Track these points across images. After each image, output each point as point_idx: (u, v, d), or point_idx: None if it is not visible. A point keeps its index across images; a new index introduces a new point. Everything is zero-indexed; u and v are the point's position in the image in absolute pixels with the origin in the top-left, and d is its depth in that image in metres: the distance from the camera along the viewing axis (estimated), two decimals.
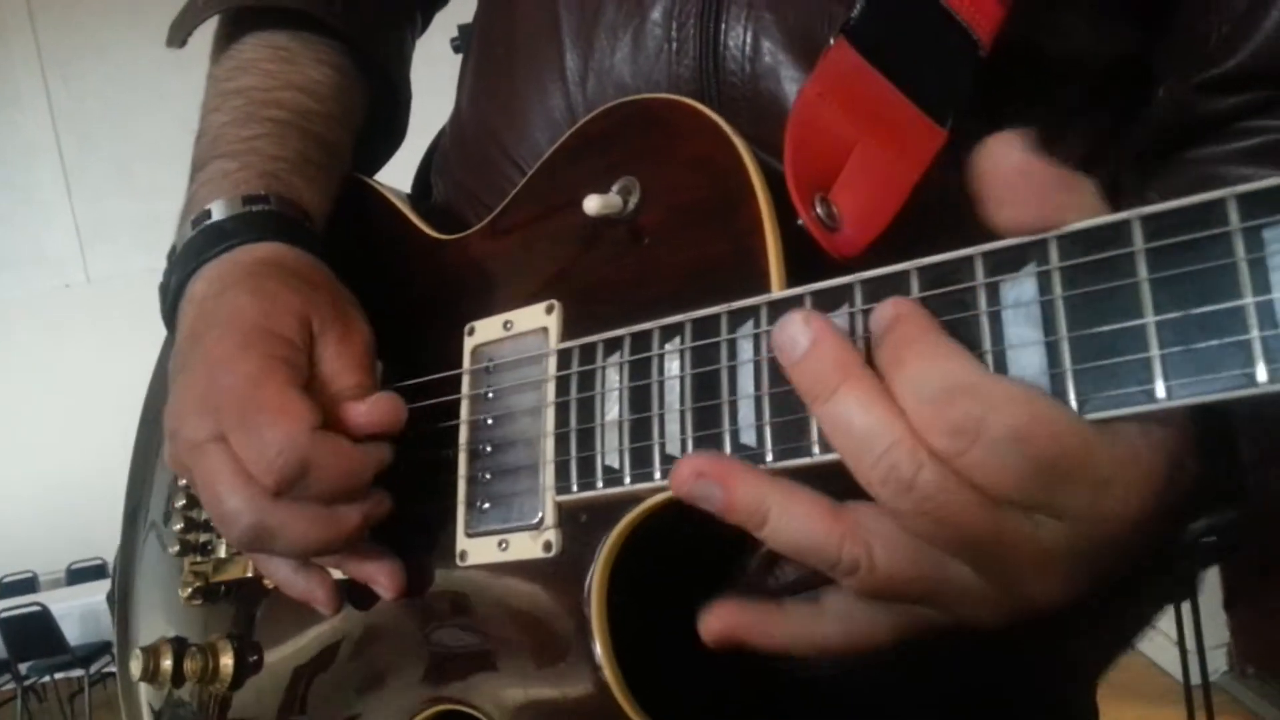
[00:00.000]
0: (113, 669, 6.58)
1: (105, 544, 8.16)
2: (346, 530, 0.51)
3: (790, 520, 0.38)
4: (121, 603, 0.80)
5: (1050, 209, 0.36)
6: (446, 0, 0.83)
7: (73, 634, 6.36)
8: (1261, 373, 0.31)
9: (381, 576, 0.53)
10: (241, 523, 0.49)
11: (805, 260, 0.47)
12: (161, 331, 0.64)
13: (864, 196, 0.49)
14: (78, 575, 8.03)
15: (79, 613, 6.48)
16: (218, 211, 0.58)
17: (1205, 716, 3.00)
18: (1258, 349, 0.31)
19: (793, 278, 0.46)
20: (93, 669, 6.45)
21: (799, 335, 0.38)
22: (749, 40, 0.55)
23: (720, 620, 0.43)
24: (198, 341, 0.53)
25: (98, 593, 6.56)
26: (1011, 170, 0.36)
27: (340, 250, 0.65)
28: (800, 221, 0.48)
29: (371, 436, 0.52)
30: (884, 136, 0.50)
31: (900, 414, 0.36)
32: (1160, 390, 0.33)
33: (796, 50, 0.55)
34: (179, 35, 0.69)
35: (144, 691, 0.75)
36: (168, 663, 0.66)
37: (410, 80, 0.77)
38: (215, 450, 0.50)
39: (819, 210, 0.48)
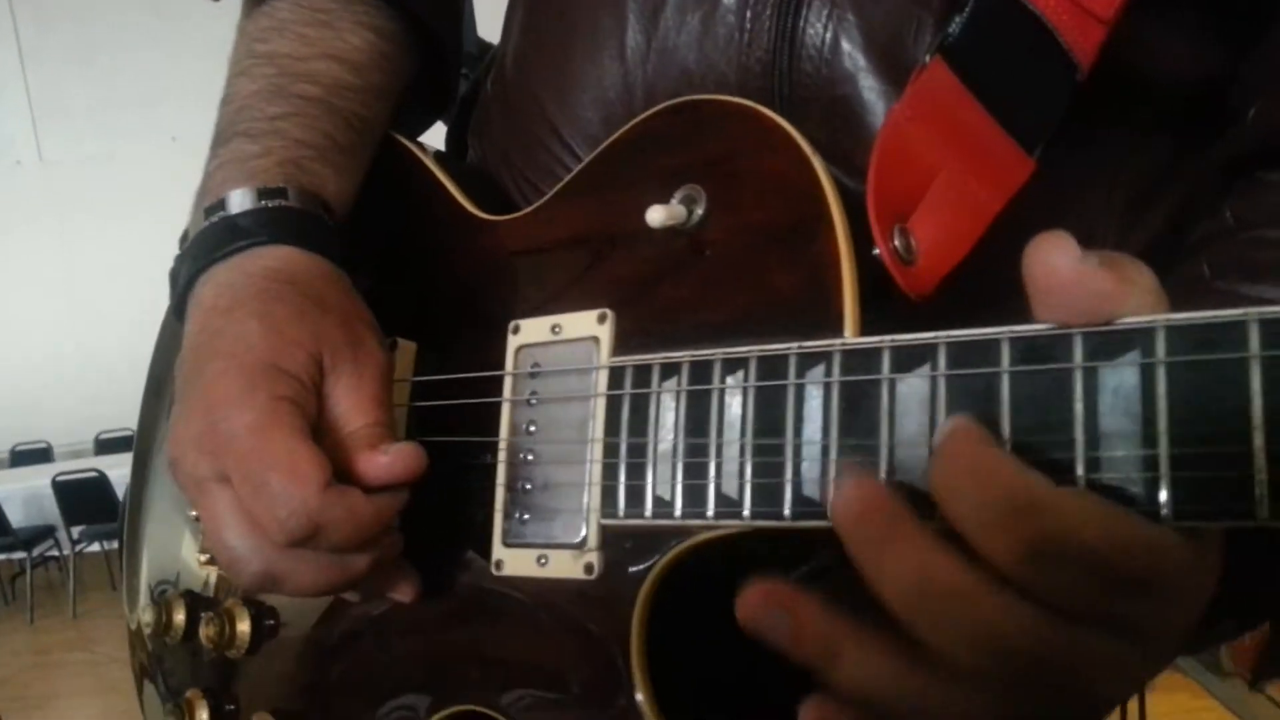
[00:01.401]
0: (55, 553, 6.58)
1: (49, 428, 8.10)
2: (353, 575, 0.49)
3: (867, 662, 0.37)
4: (131, 523, 0.77)
5: (1103, 313, 0.35)
6: None
7: (15, 516, 6.32)
8: None
9: (400, 591, 0.53)
10: (248, 570, 0.48)
11: (874, 289, 0.46)
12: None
13: (942, 228, 0.48)
14: (21, 458, 7.94)
15: (21, 496, 6.44)
16: (233, 204, 0.54)
17: None
18: None
19: (862, 310, 0.45)
20: (35, 552, 6.43)
21: (852, 499, 0.37)
22: (829, 39, 0.53)
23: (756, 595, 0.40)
24: (201, 367, 0.50)
25: (42, 476, 6.52)
26: (1063, 277, 0.35)
27: (372, 216, 0.62)
28: (876, 252, 0.46)
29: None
30: (971, 165, 0.48)
31: (959, 566, 0.34)
32: (1264, 510, 0.32)
33: (878, 56, 0.52)
34: None
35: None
36: (180, 617, 0.66)
37: (463, 34, 0.73)
38: (218, 492, 0.48)
39: (897, 242, 0.46)
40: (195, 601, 0.67)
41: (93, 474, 6.09)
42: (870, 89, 0.52)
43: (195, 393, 0.49)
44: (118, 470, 5.97)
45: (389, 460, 0.49)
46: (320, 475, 0.46)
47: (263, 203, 0.54)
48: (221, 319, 0.51)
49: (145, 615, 0.67)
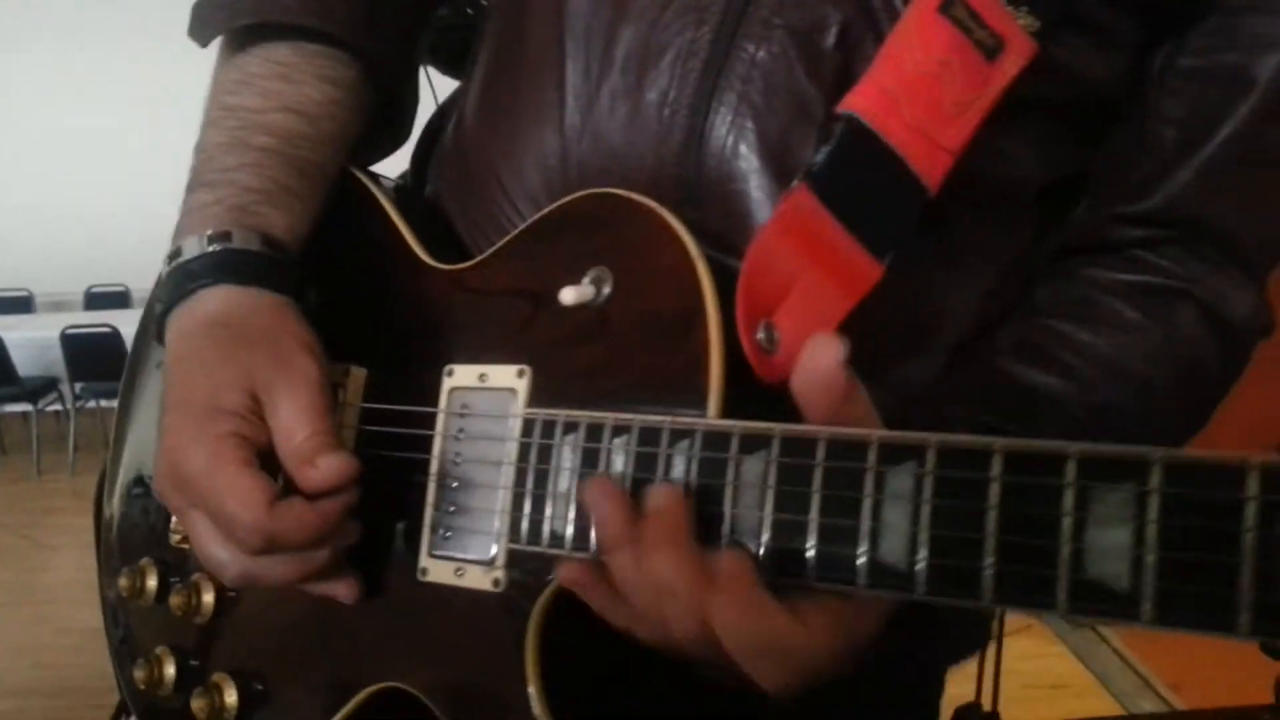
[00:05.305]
0: None
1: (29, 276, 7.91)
2: (319, 565, 0.60)
3: (628, 567, 0.50)
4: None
5: (835, 418, 0.48)
6: None
7: None
8: (1062, 602, 0.41)
9: (340, 592, 0.63)
10: (230, 573, 0.60)
11: (743, 370, 0.55)
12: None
13: (801, 325, 0.57)
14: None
15: None
16: (187, 250, 0.65)
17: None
18: (1062, 588, 0.41)
19: (732, 388, 0.55)
20: None
21: (599, 501, 0.51)
22: (730, 143, 0.61)
23: (570, 572, 0.54)
24: (166, 412, 0.61)
25: None
26: (821, 376, 0.48)
27: (331, 247, 0.71)
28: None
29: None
30: (828, 270, 0.58)
31: (652, 584, 0.49)
32: (988, 597, 0.43)
33: (770, 161, 0.61)
34: (203, 36, 0.73)
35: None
36: (152, 583, 0.76)
37: (419, 76, 0.81)
38: (195, 516, 0.59)
39: (761, 335, 0.56)
40: (166, 569, 0.77)
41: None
42: (759, 188, 0.61)
43: (164, 435, 0.61)
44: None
45: (320, 473, 0.58)
46: (263, 497, 0.56)
47: (210, 247, 0.64)
48: (176, 369, 0.62)
49: (122, 581, 0.77)
